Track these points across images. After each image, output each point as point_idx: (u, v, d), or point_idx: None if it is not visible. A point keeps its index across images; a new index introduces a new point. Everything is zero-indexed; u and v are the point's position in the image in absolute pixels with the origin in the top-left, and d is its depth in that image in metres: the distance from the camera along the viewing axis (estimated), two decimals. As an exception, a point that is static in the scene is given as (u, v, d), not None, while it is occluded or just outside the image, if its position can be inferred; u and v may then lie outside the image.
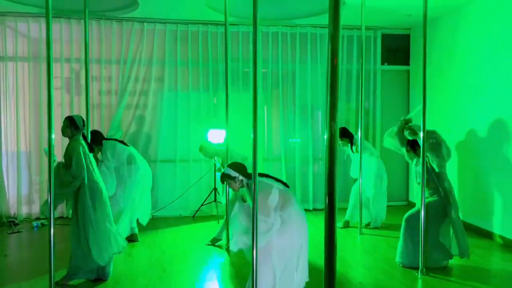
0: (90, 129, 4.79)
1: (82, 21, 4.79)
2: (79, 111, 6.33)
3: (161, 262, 4.46)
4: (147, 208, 5.25)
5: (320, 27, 6.88)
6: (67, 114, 6.32)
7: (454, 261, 4.38)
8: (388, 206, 5.94)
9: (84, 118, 4.76)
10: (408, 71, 7.31)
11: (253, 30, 2.99)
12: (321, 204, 7.04)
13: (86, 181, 3.70)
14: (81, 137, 3.86)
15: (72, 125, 3.83)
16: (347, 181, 6.42)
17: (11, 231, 5.58)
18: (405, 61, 7.32)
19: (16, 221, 5.96)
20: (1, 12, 6.07)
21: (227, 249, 4.84)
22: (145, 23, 6.47)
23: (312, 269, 3.44)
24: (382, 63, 7.21)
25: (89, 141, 4.36)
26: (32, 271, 4.15)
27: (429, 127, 4.19)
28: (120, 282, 3.89)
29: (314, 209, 6.93)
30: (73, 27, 6.30)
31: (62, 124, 3.85)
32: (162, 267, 4.31)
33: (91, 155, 3.89)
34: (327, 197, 1.53)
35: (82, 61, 5.81)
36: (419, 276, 4.02)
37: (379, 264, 4.39)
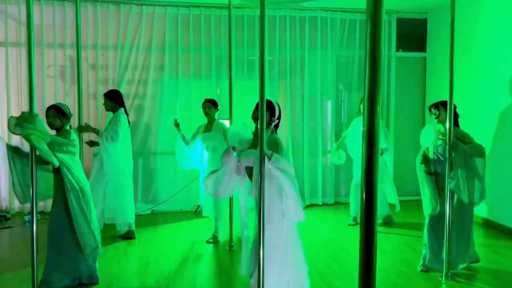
0: (82, 121, 4.42)
1: (75, 3, 4.40)
2: (74, 100, 5.96)
3: (158, 263, 4.11)
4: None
5: (331, 10, 6.46)
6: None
7: (480, 264, 3.99)
8: (400, 201, 5.48)
9: (76, 108, 4.46)
10: (424, 58, 6.87)
11: (261, 13, 2.59)
12: (331, 198, 6.67)
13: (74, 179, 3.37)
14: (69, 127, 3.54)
15: (59, 113, 3.51)
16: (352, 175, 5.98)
17: (1, 226, 5.27)
18: (421, 47, 6.88)
19: (8, 216, 5.65)
20: (-10, -6, 5.71)
21: (230, 248, 4.49)
22: (143, 6, 6.08)
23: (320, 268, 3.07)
24: (397, 50, 6.78)
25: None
26: (19, 268, 3.84)
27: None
28: (112, 285, 3.55)
29: (324, 204, 6.57)
30: (67, 10, 5.92)
31: (46, 118, 3.50)
32: (159, 268, 3.96)
33: (78, 147, 3.53)
34: (365, 201, 1.30)
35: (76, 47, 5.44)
36: (442, 281, 3.63)
37: (396, 266, 4.01)
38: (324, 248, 4.54)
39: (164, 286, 3.58)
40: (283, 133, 6.59)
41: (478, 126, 5.57)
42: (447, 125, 3.66)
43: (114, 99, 4.74)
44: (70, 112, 3.58)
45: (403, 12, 6.71)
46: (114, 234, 4.83)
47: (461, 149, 3.65)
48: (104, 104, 4.80)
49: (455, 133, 3.67)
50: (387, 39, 6.67)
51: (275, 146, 2.82)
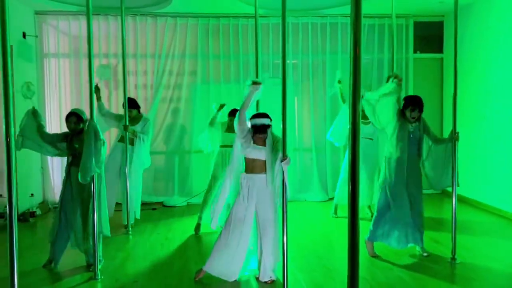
0: (127, 122, 5.03)
1: (119, 17, 5.02)
2: (116, 104, 6.63)
3: (197, 247, 4.65)
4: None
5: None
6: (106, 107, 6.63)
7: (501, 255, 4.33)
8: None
9: (122, 112, 5.06)
10: (441, 59, 7.19)
11: (282, 21, 3.10)
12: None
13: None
14: None
15: (79, 120, 3.95)
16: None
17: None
18: (439, 48, 7.20)
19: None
20: (44, 11, 6.42)
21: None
22: (178, 18, 6.68)
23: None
24: (415, 52, 7.12)
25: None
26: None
27: (462, 114, 4.13)
28: (157, 265, 4.10)
29: (346, 199, 6.96)
30: (110, 23, 6.58)
31: (68, 123, 3.94)
32: (197, 251, 4.50)
33: None
34: (350, 194, 1.57)
35: (119, 56, 6.07)
36: (449, 262, 4.03)
37: (408, 250, 4.34)
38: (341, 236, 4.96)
39: (201, 265, 4.09)
40: (306, 132, 7.05)
41: (492, 124, 5.87)
42: (452, 123, 4.04)
43: (138, 107, 5.32)
44: (86, 117, 4.03)
45: (420, 16, 7.04)
46: (156, 222, 5.42)
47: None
48: (131, 113, 5.18)
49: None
50: (405, 41, 7.02)
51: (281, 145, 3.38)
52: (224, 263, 3.55)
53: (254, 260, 3.72)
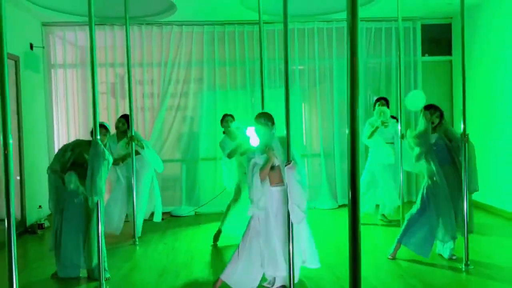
0: (133, 132, 5.00)
1: (125, 27, 5.02)
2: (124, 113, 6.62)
3: (203, 256, 4.59)
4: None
5: (356, 20, 6.78)
6: (113, 117, 6.65)
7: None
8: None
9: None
10: (450, 61, 7.08)
11: (284, 26, 3.06)
12: (363, 199, 6.95)
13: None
14: None
15: (107, 131, 4.08)
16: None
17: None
18: (447, 51, 7.08)
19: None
20: (50, 22, 6.47)
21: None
22: (183, 26, 6.68)
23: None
24: (423, 54, 7.01)
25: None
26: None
27: (472, 117, 4.02)
28: (163, 275, 4.05)
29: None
30: (116, 33, 6.61)
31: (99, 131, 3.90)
32: (204, 261, 4.44)
33: None
34: (351, 196, 1.55)
35: (125, 66, 6.07)
36: (463, 269, 3.91)
37: (420, 256, 4.26)
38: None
39: (208, 275, 4.03)
40: (314, 138, 6.97)
41: (503, 126, 5.74)
42: (462, 126, 3.94)
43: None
44: (110, 129, 4.15)
45: (428, 18, 6.95)
46: (164, 231, 5.37)
47: None
48: (122, 126, 5.25)
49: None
50: (413, 44, 6.92)
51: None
52: (242, 274, 3.43)
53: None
